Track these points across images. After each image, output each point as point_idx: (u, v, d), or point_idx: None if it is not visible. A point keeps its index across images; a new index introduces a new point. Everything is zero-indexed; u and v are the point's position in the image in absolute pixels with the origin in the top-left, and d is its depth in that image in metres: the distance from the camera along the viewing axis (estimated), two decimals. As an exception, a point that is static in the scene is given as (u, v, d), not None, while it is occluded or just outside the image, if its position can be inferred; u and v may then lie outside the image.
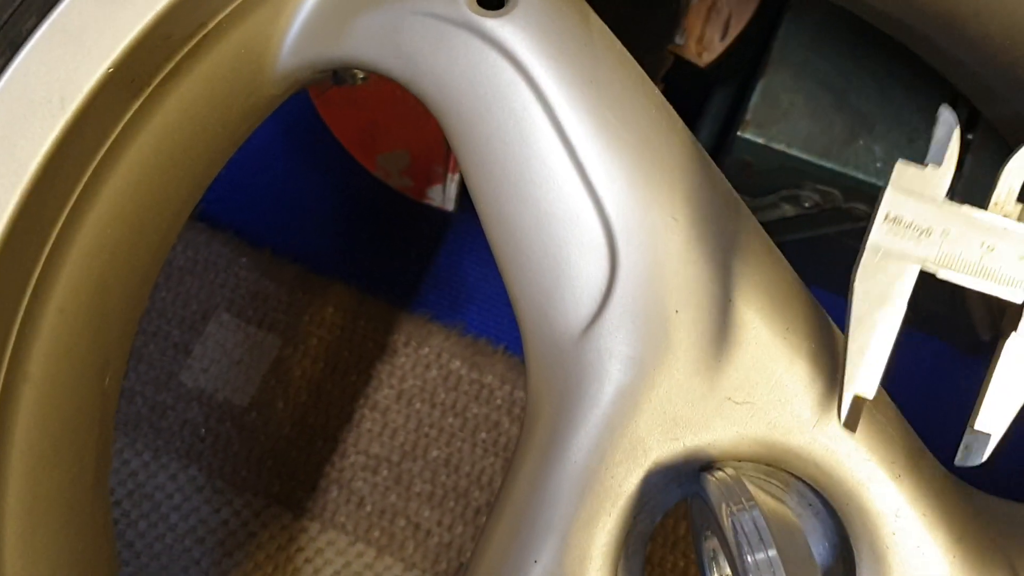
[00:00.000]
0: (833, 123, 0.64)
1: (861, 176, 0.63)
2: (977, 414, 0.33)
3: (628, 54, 0.41)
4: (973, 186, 0.62)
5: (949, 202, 0.32)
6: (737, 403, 0.37)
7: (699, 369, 0.38)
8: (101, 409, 0.43)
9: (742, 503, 0.33)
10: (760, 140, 0.63)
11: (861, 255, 0.31)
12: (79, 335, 0.40)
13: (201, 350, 0.77)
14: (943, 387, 0.81)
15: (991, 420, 0.33)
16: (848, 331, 0.31)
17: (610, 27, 0.41)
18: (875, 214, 0.31)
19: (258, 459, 0.75)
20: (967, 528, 0.39)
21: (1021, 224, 0.32)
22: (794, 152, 0.63)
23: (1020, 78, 0.51)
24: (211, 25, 0.40)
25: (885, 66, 0.65)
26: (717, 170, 0.41)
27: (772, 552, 0.32)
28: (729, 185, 0.41)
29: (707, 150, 0.68)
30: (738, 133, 0.63)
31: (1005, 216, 0.32)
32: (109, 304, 0.42)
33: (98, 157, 0.39)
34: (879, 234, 0.31)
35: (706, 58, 0.68)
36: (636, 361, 0.37)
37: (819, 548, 0.39)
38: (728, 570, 0.37)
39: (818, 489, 0.38)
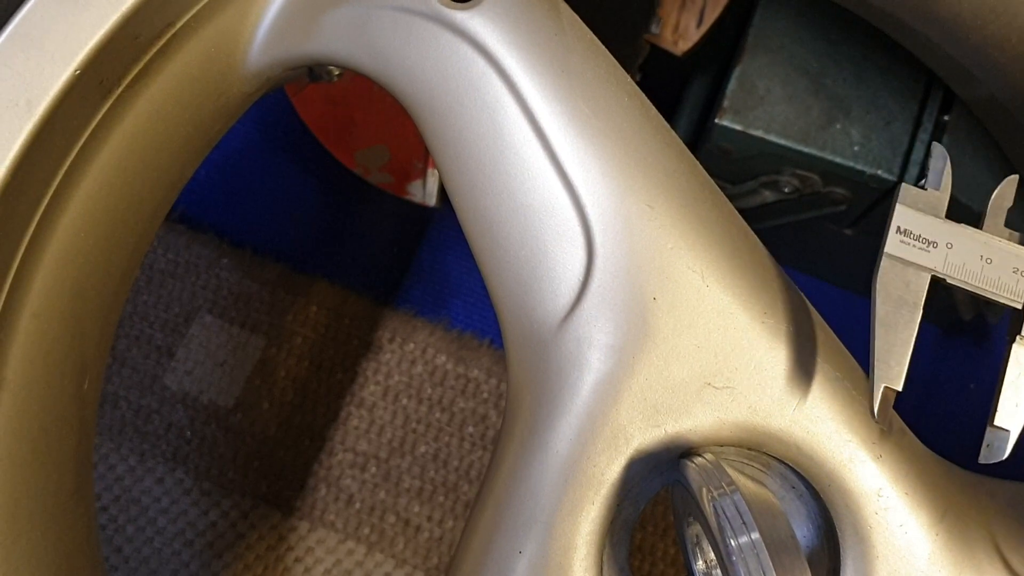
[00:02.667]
0: (810, 108, 0.64)
1: (839, 160, 0.63)
2: (995, 412, 0.36)
3: (600, 44, 0.41)
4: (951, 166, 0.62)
5: (950, 221, 0.36)
6: (717, 388, 0.37)
7: (678, 355, 0.38)
8: (80, 413, 0.42)
9: (723, 487, 0.33)
10: (738, 127, 0.63)
11: (879, 263, 0.35)
12: (55, 340, 0.40)
13: (184, 352, 0.77)
14: (925, 367, 0.81)
15: (1009, 417, 0.36)
16: (873, 331, 0.35)
17: (583, 18, 0.41)
18: (888, 227, 0.36)
19: (245, 460, 0.75)
20: (949, 506, 0.39)
21: (1011, 243, 0.37)
22: (772, 138, 0.63)
23: (992, 58, 0.51)
24: (179, 24, 0.40)
25: (861, 50, 0.65)
26: (692, 157, 0.41)
27: (755, 535, 0.32)
28: (704, 172, 0.41)
29: (686, 138, 0.68)
30: (716, 120, 0.63)
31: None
32: (85, 308, 0.41)
33: (68, 160, 0.38)
34: (893, 244, 0.36)
35: (682, 46, 0.68)
36: (615, 349, 0.37)
37: (803, 530, 0.39)
38: (712, 555, 0.37)
39: (800, 471, 0.38)
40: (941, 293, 0.75)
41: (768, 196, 0.68)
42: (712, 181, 0.41)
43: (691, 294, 0.38)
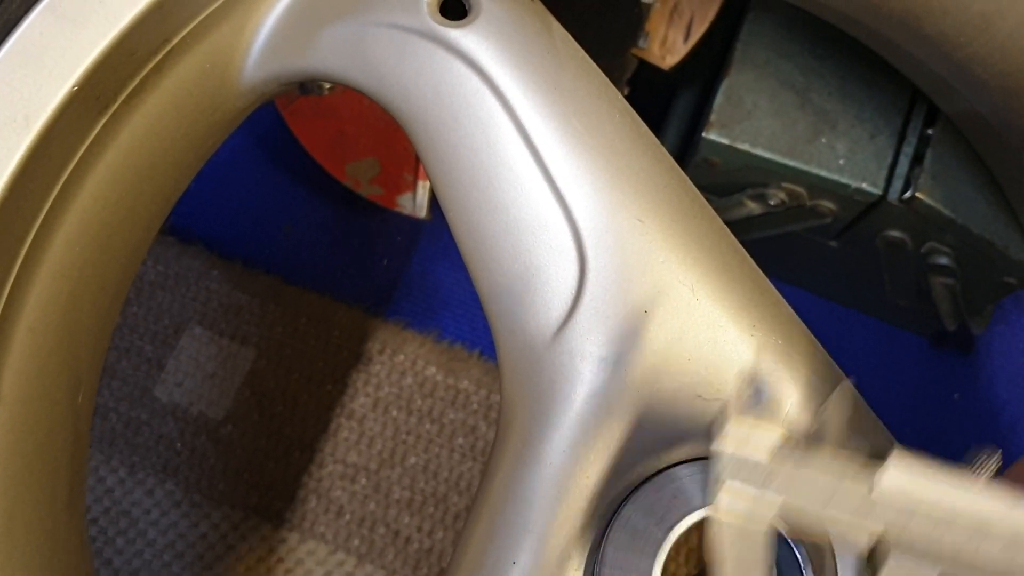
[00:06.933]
0: (796, 122, 0.65)
1: (825, 173, 0.64)
2: None
3: (590, 60, 0.41)
4: (935, 180, 0.63)
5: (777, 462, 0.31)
6: (707, 400, 0.38)
7: (669, 368, 0.38)
8: (74, 426, 0.42)
9: None
10: (725, 140, 0.64)
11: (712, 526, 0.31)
12: (50, 353, 0.40)
13: (175, 364, 0.77)
14: (910, 377, 0.82)
15: None
16: None
17: (572, 33, 0.42)
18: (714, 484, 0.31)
19: (235, 472, 0.75)
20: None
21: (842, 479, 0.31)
22: (758, 151, 0.64)
23: (975, 74, 0.52)
24: (175, 41, 0.40)
25: (846, 65, 0.66)
26: (681, 172, 0.41)
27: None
28: (693, 186, 0.42)
29: (674, 151, 0.69)
30: (703, 134, 0.64)
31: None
32: (80, 321, 0.42)
33: (65, 175, 0.39)
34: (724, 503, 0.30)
35: (670, 61, 0.69)
36: (608, 362, 0.38)
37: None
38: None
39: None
40: (926, 303, 0.76)
41: (754, 209, 0.69)
42: (701, 196, 0.42)
43: (681, 307, 0.38)
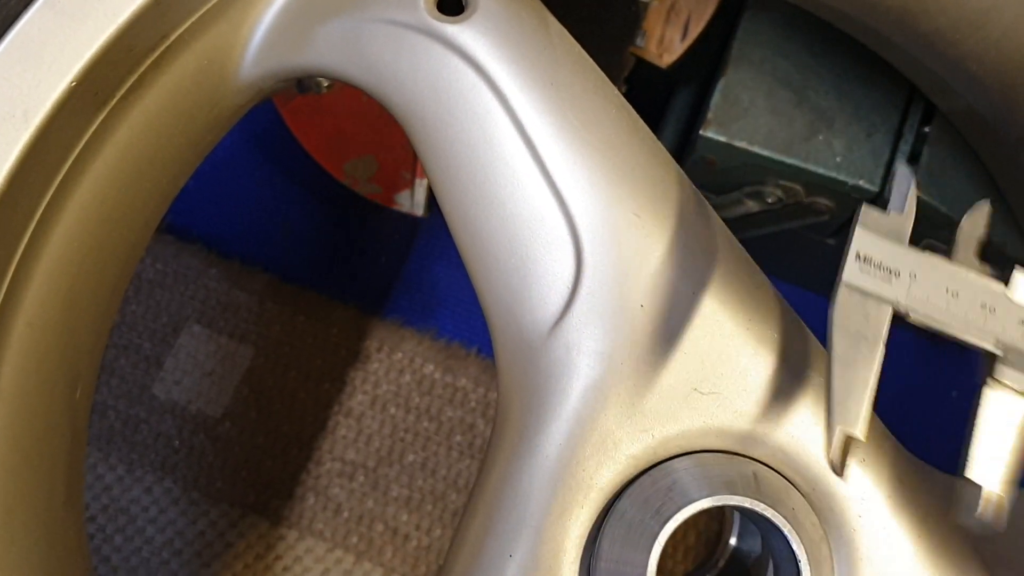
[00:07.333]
0: (793, 119, 0.65)
1: (822, 171, 0.64)
2: (968, 462, 0.32)
3: (587, 56, 0.41)
4: (931, 177, 0.64)
5: (914, 248, 0.32)
6: (703, 393, 0.38)
7: (666, 362, 0.38)
8: (72, 422, 0.42)
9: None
10: (722, 138, 0.64)
11: (836, 293, 0.31)
12: (49, 349, 0.40)
13: (173, 362, 0.77)
14: (909, 373, 0.82)
15: (984, 471, 0.32)
16: (830, 369, 0.31)
17: (570, 31, 0.42)
18: (846, 253, 0.31)
19: (233, 469, 0.75)
20: (931, 509, 0.39)
21: (980, 275, 0.33)
22: (756, 149, 0.64)
23: (970, 71, 0.52)
24: (173, 37, 0.40)
25: (843, 63, 0.66)
26: (678, 168, 0.42)
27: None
28: (690, 181, 0.42)
29: (672, 149, 0.69)
30: (700, 132, 0.64)
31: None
32: (78, 317, 0.42)
33: (63, 170, 0.39)
34: (852, 273, 0.31)
35: (667, 59, 0.69)
36: (604, 356, 0.38)
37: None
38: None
39: (785, 475, 0.39)
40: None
41: (752, 206, 0.69)
42: (698, 191, 0.42)
43: (678, 302, 0.38)
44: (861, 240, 0.31)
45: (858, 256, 0.31)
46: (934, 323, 0.32)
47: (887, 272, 0.31)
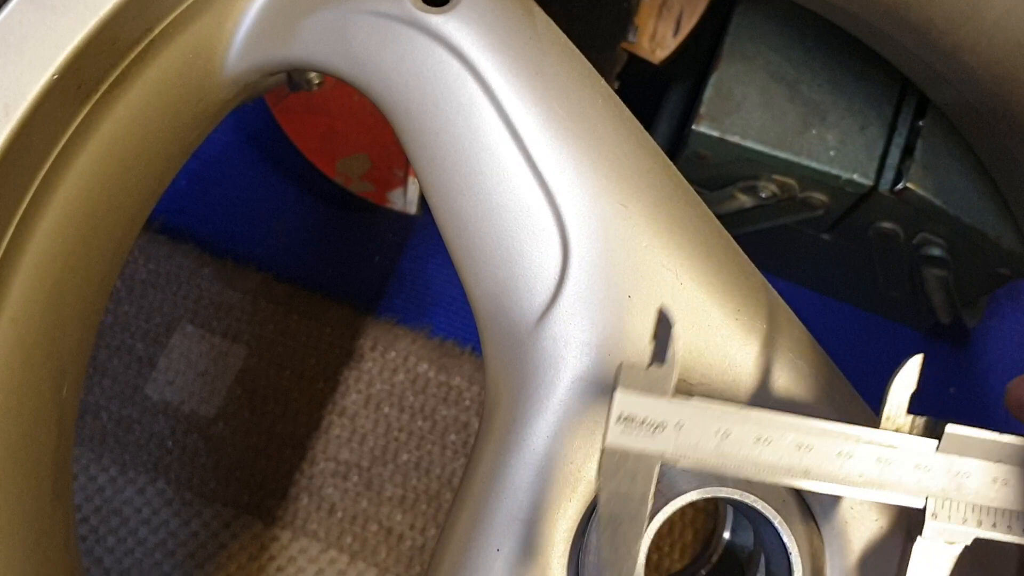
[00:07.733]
0: (786, 114, 0.64)
1: (815, 165, 0.64)
2: None
3: (574, 47, 0.41)
4: (926, 170, 0.63)
5: (680, 397, 0.32)
6: (691, 384, 0.38)
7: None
8: (59, 419, 0.42)
9: None
10: (715, 133, 0.64)
11: (601, 460, 0.32)
12: (33, 345, 0.40)
13: (166, 362, 0.77)
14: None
15: None
16: (599, 534, 0.32)
17: (561, 27, 0.42)
18: (608, 419, 0.32)
19: (226, 469, 0.75)
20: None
21: (909, 435, 0.34)
22: (748, 143, 0.64)
23: (963, 62, 0.52)
24: (157, 30, 0.40)
25: (835, 56, 0.66)
26: (666, 158, 0.41)
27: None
28: (678, 172, 0.41)
29: (664, 145, 0.69)
30: (693, 127, 0.64)
31: (897, 431, 0.34)
32: (64, 313, 0.41)
33: (47, 165, 0.39)
34: (614, 435, 0.32)
35: (660, 55, 0.69)
36: (591, 347, 0.38)
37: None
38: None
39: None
40: (919, 296, 0.76)
41: (746, 201, 0.69)
42: (685, 181, 0.42)
43: (665, 292, 0.38)
44: (622, 403, 0.32)
45: (620, 417, 0.32)
46: (709, 467, 0.32)
47: (651, 427, 0.32)
